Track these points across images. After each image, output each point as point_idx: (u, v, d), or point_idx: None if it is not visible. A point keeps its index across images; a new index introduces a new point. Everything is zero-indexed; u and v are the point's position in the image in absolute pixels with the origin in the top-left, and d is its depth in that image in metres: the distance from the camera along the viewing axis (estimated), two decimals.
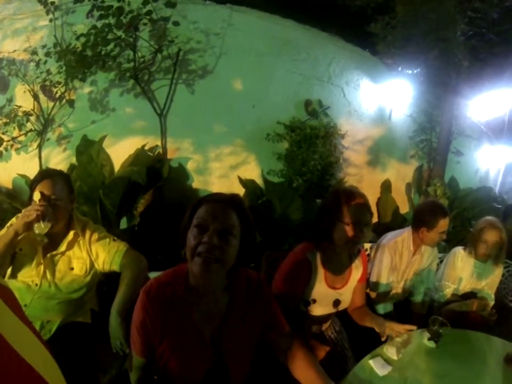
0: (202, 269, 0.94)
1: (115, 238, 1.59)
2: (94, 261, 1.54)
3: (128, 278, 1.41)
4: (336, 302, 1.55)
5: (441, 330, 1.50)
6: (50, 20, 3.47)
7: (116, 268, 1.51)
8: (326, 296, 1.52)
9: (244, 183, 3.67)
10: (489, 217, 2.27)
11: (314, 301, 1.51)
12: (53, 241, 1.49)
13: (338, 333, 1.69)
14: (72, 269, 1.51)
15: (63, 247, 1.49)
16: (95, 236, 1.54)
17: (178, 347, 1.02)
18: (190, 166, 3.86)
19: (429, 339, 1.51)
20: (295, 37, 4.19)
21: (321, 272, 1.49)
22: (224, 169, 3.93)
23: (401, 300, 2.22)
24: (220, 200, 1.01)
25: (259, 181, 3.79)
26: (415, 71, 5.06)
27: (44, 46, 3.48)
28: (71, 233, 1.50)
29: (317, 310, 1.53)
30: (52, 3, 3.40)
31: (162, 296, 1.02)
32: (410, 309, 2.23)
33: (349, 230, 1.41)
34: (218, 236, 0.94)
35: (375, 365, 1.33)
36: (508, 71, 5.20)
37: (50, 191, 1.43)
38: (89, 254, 1.53)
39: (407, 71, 5.05)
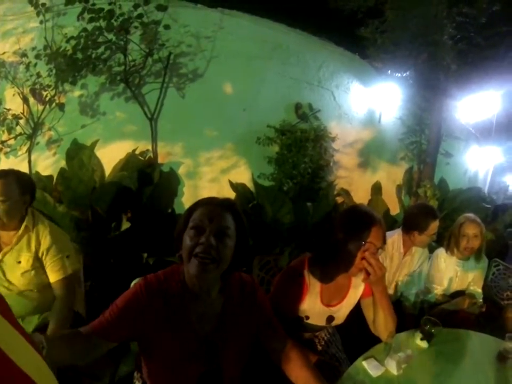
0: (200, 270, 0.94)
1: (69, 255, 1.66)
2: (41, 259, 1.60)
3: (60, 307, 1.57)
4: (330, 319, 1.53)
5: (433, 330, 1.51)
6: (41, 22, 3.42)
7: (50, 280, 1.61)
8: (319, 313, 1.50)
9: (235, 187, 3.69)
10: (468, 214, 2.29)
11: (307, 318, 1.49)
12: (7, 241, 1.56)
13: (332, 335, 1.69)
14: (19, 262, 1.55)
15: (14, 241, 1.55)
16: (47, 243, 1.59)
17: (173, 344, 1.02)
18: (180, 170, 3.85)
19: (422, 339, 1.52)
20: (285, 41, 4.21)
21: (317, 288, 1.45)
22: (215, 173, 3.93)
23: (392, 301, 2.19)
24: (215, 203, 1.03)
25: (250, 185, 3.80)
26: (404, 74, 5.13)
27: (33, 48, 3.43)
28: (22, 227, 1.56)
29: (311, 323, 1.52)
30: (43, 5, 3.35)
31: (160, 291, 1.02)
32: (402, 310, 2.21)
33: (363, 254, 1.34)
34: (215, 236, 0.96)
35: (368, 366, 1.33)
36: (495, 74, 5.29)
37: None
38: (38, 251, 1.58)
39: (397, 74, 5.12)
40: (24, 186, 1.57)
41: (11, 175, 1.55)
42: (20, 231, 1.55)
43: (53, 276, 1.61)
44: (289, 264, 1.54)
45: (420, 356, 1.47)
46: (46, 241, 1.59)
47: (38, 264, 1.59)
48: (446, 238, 2.31)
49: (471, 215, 2.26)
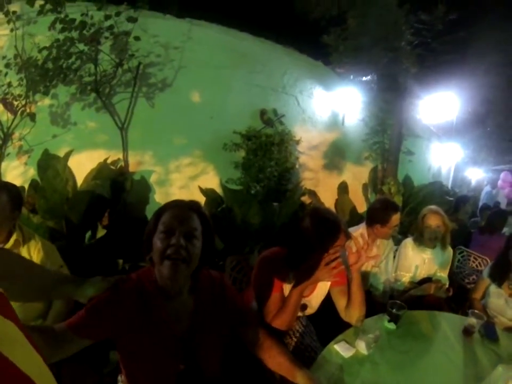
0: (172, 270, 0.98)
1: (62, 265, 1.70)
2: None
3: (58, 313, 1.59)
4: (303, 306, 1.63)
5: (399, 313, 1.61)
6: (12, 30, 3.38)
7: None
8: None
9: (204, 192, 3.80)
10: (431, 206, 2.41)
11: None
12: None
13: (306, 327, 1.75)
14: None
15: None
16: (40, 257, 1.61)
17: (150, 343, 1.03)
18: (151, 178, 3.92)
19: (389, 321, 1.63)
20: (251, 50, 4.36)
21: (291, 278, 1.55)
22: (184, 180, 4.02)
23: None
24: (182, 206, 1.08)
25: (219, 190, 3.90)
26: (366, 78, 5.38)
27: (4, 57, 3.40)
28: (11, 241, 1.57)
29: None
30: (14, 12, 3.33)
31: (135, 290, 1.05)
32: (372, 299, 2.27)
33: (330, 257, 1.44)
34: (184, 237, 1.01)
35: (340, 349, 1.42)
36: (452, 77, 5.64)
37: None
38: None
39: (359, 78, 5.35)
40: (15, 201, 1.55)
41: (3, 189, 1.52)
42: (10, 245, 1.55)
43: None
44: (265, 254, 1.60)
45: (388, 336, 1.56)
46: (39, 256, 1.59)
47: None
48: (413, 230, 2.45)
49: (433, 207, 2.38)
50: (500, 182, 8.06)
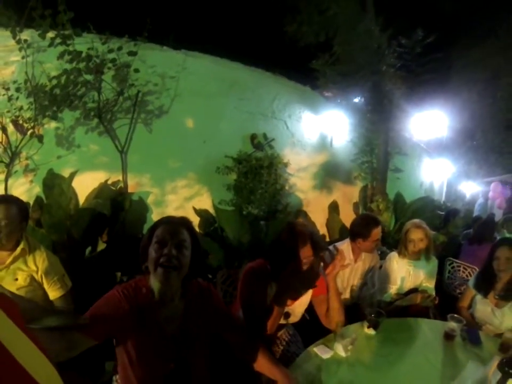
0: (164, 277, 1.12)
1: (64, 273, 1.85)
2: (38, 279, 1.76)
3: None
4: (287, 314, 1.72)
5: (379, 319, 1.70)
6: (23, 57, 3.59)
7: (51, 297, 1.81)
8: None
9: (198, 212, 3.99)
10: (414, 220, 2.46)
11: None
12: (2, 260, 1.70)
13: (292, 336, 1.85)
14: (16, 279, 1.69)
15: (9, 261, 1.68)
16: (45, 266, 1.75)
17: (144, 342, 1.16)
18: (149, 199, 4.14)
19: (368, 327, 1.72)
20: (242, 78, 4.64)
21: (273, 287, 1.64)
22: (180, 201, 4.25)
23: (349, 305, 2.37)
24: (174, 221, 1.25)
25: (212, 211, 4.04)
26: (353, 101, 5.63)
27: (14, 82, 3.60)
28: (18, 249, 1.70)
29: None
30: (25, 41, 3.54)
31: (134, 295, 1.18)
32: (361, 311, 2.31)
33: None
34: (175, 248, 1.16)
35: (318, 351, 1.52)
36: (437, 96, 5.89)
37: (2, 214, 1.63)
38: (35, 273, 1.74)
39: (345, 101, 5.60)
40: (23, 213, 1.72)
41: (14, 202, 1.70)
42: (17, 253, 1.69)
43: (55, 294, 1.77)
44: (250, 265, 1.70)
45: (368, 341, 1.64)
46: (44, 264, 1.73)
47: (34, 283, 1.72)
48: (399, 242, 2.50)
49: (416, 221, 2.43)
50: (490, 193, 8.01)
